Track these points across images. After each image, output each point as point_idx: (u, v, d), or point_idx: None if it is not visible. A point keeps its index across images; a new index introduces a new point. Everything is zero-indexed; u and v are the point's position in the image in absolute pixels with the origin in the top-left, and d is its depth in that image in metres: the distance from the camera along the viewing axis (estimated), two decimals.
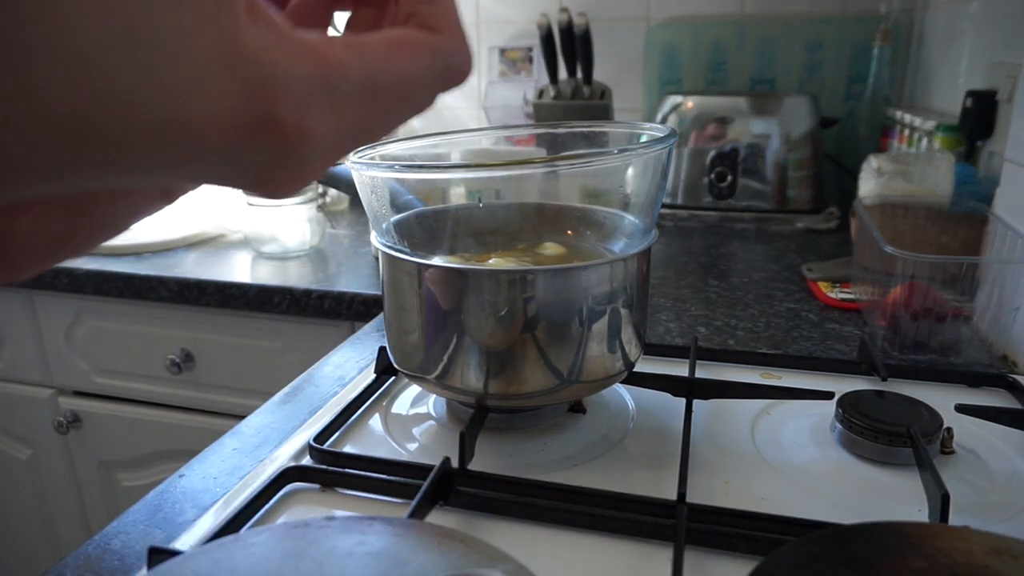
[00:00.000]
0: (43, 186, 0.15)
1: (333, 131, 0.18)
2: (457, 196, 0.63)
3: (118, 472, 1.22)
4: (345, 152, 0.19)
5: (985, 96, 0.94)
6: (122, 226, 0.21)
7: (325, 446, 0.53)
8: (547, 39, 1.31)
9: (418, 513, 0.44)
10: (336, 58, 0.18)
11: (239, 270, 1.08)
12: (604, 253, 0.58)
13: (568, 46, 1.31)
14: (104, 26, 0.13)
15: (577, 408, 0.59)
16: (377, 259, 0.74)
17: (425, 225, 0.60)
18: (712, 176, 1.27)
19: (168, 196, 0.22)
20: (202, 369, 1.10)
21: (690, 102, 1.30)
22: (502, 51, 1.57)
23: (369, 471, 0.50)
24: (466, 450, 0.49)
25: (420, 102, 0.21)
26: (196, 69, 0.15)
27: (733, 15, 1.44)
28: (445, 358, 0.52)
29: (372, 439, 0.57)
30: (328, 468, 0.51)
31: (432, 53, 0.20)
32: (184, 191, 0.22)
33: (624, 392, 0.62)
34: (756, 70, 1.45)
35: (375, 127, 0.20)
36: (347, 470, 0.51)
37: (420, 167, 0.53)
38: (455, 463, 0.49)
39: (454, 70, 0.21)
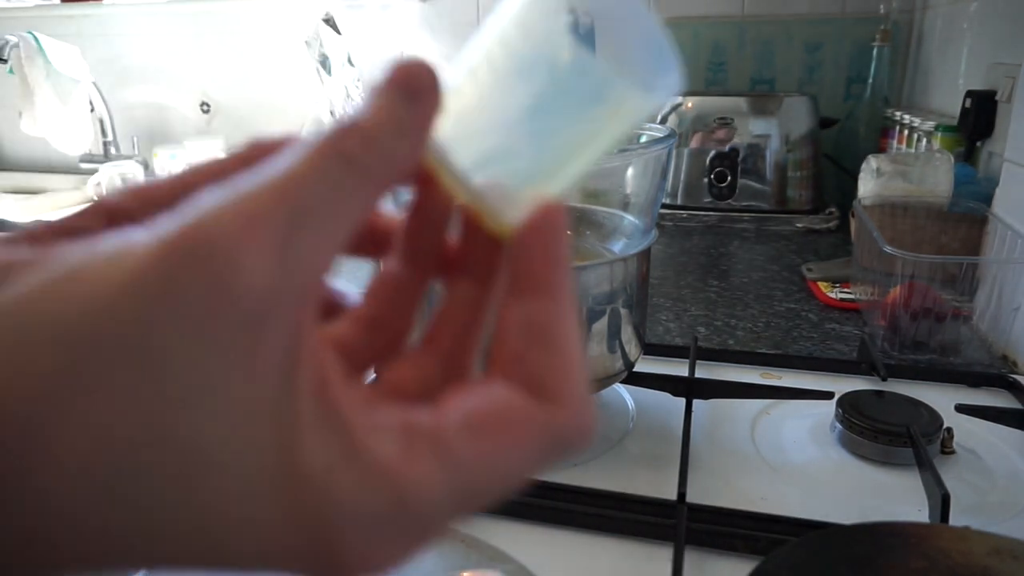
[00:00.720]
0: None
1: (402, 555, 0.14)
2: None
3: None
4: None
5: (984, 96, 0.94)
6: None
7: None
8: None
9: None
10: (419, 484, 0.14)
11: None
12: (604, 253, 0.58)
13: None
14: (127, 441, 0.12)
15: None
16: None
17: None
18: (712, 176, 1.27)
19: None
20: None
21: (690, 102, 1.30)
22: None
23: None
24: None
25: (514, 489, 0.16)
26: (238, 488, 0.12)
27: (733, 15, 1.44)
28: None
29: None
30: None
31: (544, 436, 0.15)
32: None
33: (624, 392, 0.62)
34: (756, 70, 1.45)
35: (449, 530, 0.16)
36: None
37: None
38: None
39: (568, 451, 0.16)
